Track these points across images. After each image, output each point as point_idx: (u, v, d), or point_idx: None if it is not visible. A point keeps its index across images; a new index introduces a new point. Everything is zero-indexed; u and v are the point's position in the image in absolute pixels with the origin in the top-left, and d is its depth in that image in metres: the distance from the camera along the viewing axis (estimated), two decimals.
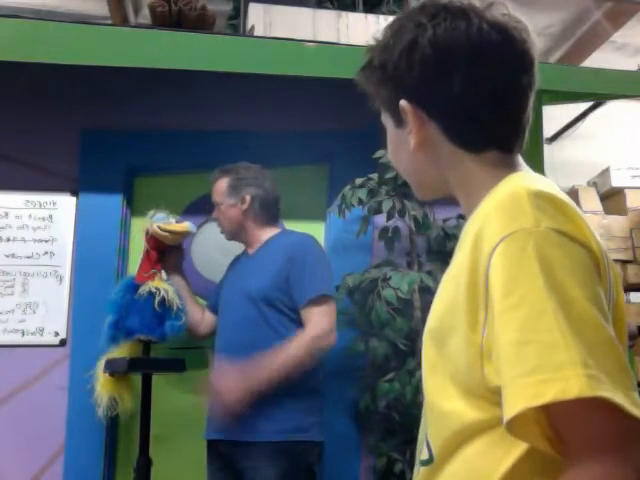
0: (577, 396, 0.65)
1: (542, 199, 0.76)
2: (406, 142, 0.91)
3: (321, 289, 2.15)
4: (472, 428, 0.78)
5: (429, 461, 0.84)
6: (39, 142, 2.72)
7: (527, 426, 0.70)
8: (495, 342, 0.72)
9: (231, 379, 2.00)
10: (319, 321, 2.11)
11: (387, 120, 0.96)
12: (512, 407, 0.68)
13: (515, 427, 0.69)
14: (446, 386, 0.81)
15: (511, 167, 0.89)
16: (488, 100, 0.87)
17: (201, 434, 2.27)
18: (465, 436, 0.79)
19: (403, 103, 0.89)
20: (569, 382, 0.65)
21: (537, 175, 0.88)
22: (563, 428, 0.70)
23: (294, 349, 2.07)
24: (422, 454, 0.87)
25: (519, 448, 0.74)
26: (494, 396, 0.74)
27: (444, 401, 0.82)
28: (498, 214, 0.76)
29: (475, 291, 0.76)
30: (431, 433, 0.85)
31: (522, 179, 0.83)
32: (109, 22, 3.51)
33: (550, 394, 0.66)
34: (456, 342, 0.79)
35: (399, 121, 0.92)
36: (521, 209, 0.75)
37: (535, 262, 0.71)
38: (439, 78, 0.86)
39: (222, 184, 2.35)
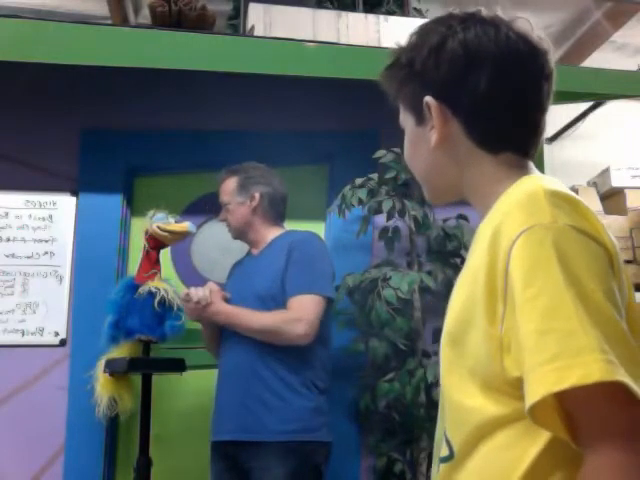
0: (598, 380, 0.67)
1: (559, 198, 0.79)
2: (426, 140, 0.94)
3: (310, 287, 2.13)
4: (492, 423, 0.80)
5: (450, 457, 0.86)
6: (39, 142, 2.72)
7: (548, 413, 0.71)
8: (516, 333, 0.74)
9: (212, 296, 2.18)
10: (296, 309, 2.09)
11: (407, 119, 0.98)
12: (534, 393, 0.69)
13: (537, 414, 0.71)
14: (465, 383, 0.83)
15: (525, 169, 0.92)
16: (512, 102, 0.91)
17: (201, 434, 2.26)
18: (486, 431, 0.80)
19: (428, 99, 0.92)
20: (589, 367, 0.67)
21: (549, 177, 0.90)
22: (579, 414, 0.71)
23: (264, 317, 2.11)
24: (442, 452, 0.89)
25: (540, 442, 0.76)
26: (513, 389, 0.76)
27: (464, 398, 0.83)
28: (516, 211, 0.79)
29: (494, 285, 0.78)
30: (450, 430, 0.87)
31: (538, 180, 0.86)
32: (109, 22, 3.51)
33: (571, 379, 0.67)
34: (474, 337, 0.81)
35: (421, 118, 0.94)
36: (539, 206, 0.78)
37: (553, 255, 0.73)
38: (467, 77, 0.90)
39: (230, 184, 2.33)
